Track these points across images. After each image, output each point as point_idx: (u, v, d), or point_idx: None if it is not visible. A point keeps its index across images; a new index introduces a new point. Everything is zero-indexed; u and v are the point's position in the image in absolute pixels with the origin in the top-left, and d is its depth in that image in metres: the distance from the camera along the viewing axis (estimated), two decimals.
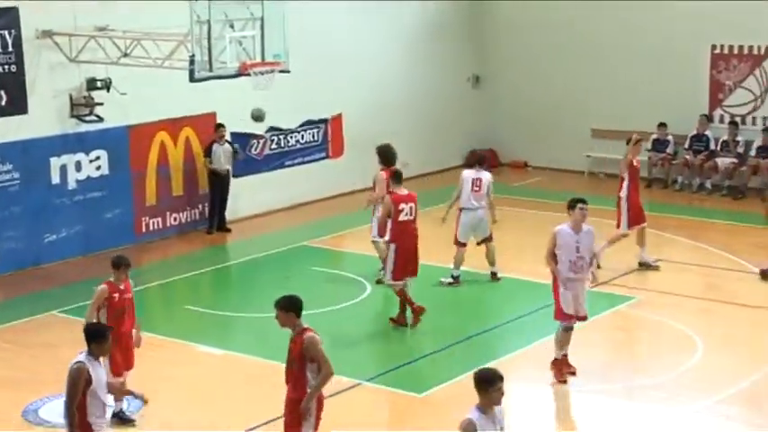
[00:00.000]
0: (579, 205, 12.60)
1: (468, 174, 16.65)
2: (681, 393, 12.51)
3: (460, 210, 16.49)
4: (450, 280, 16.49)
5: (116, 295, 11.32)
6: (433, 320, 14.95)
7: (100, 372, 9.09)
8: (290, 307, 9.51)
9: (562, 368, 12.88)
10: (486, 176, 16.56)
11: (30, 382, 12.92)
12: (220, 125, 19.38)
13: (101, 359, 9.17)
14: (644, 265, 17.07)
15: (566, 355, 12.95)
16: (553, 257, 12.65)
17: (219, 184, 19.53)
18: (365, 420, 12.11)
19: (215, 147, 19.30)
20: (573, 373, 12.83)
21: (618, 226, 16.97)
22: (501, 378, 8.03)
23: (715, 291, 16.33)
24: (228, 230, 19.79)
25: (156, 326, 14.17)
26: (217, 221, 19.73)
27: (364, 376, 13.01)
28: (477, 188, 16.40)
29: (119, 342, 10.98)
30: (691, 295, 16.03)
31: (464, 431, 7.91)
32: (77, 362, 9.04)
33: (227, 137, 19.52)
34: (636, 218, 16.92)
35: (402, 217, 14.50)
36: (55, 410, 11.94)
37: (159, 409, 11.69)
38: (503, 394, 8.03)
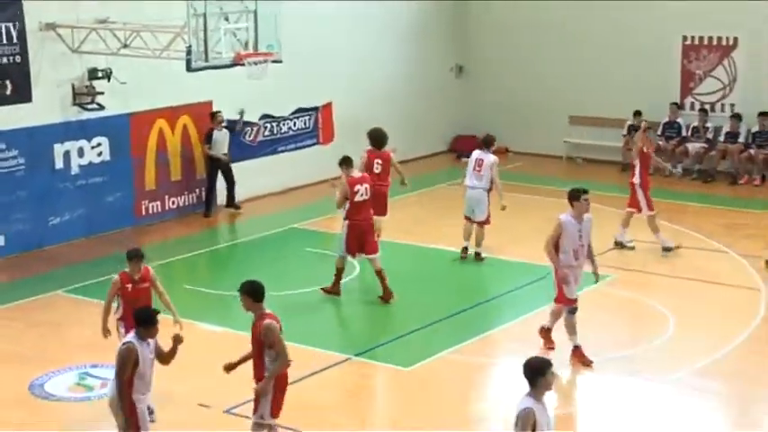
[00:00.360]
0: (583, 196, 12.65)
1: (475, 154, 17.00)
2: (653, 366, 12.78)
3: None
4: (461, 252, 17.02)
5: (129, 285, 11.44)
6: (419, 297, 15.35)
7: (147, 352, 9.40)
8: (251, 292, 9.65)
9: (549, 338, 13.31)
10: (488, 159, 16.74)
11: (36, 358, 13.18)
12: (217, 112, 19.61)
13: (149, 340, 9.46)
14: (619, 245, 17.43)
15: (550, 329, 13.31)
16: (554, 246, 12.68)
17: (220, 169, 19.78)
18: (354, 394, 12.47)
19: (215, 134, 19.50)
20: (552, 349, 13.12)
21: (639, 211, 17.24)
22: (550, 364, 7.97)
23: (687, 269, 16.54)
24: (238, 207, 20.19)
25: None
26: (227, 200, 20.08)
27: (353, 351, 13.34)
28: (479, 168, 16.73)
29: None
30: (664, 274, 16.40)
31: (524, 421, 7.75)
32: (127, 342, 9.40)
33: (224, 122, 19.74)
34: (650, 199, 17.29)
35: (358, 198, 14.92)
36: (60, 385, 12.32)
37: (162, 384, 11.70)
38: (555, 377, 7.99)
